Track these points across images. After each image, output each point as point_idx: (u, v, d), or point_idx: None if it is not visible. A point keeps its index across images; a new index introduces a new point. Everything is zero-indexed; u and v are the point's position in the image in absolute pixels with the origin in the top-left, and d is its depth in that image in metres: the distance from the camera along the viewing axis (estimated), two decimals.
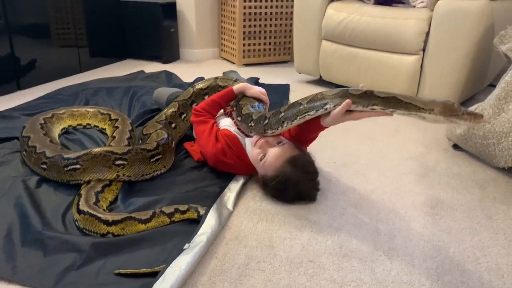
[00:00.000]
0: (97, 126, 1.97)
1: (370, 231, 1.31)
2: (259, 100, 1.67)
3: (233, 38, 3.63)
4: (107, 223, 1.22)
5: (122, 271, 1.07)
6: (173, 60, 3.75)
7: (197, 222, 1.27)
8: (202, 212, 1.29)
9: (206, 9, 3.77)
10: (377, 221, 1.37)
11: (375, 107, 1.22)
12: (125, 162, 1.46)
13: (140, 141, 1.72)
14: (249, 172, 1.56)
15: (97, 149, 1.46)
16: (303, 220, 1.35)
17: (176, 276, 1.01)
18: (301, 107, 1.35)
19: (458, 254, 1.21)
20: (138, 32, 3.61)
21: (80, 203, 1.29)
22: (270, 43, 3.71)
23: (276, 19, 3.64)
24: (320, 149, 1.66)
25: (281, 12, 3.64)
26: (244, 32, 3.54)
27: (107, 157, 1.44)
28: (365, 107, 1.23)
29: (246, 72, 3.24)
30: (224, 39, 3.84)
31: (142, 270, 1.07)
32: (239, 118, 1.59)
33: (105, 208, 1.35)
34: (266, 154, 1.43)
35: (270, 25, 3.64)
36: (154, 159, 1.52)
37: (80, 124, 1.97)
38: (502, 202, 1.51)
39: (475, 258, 1.20)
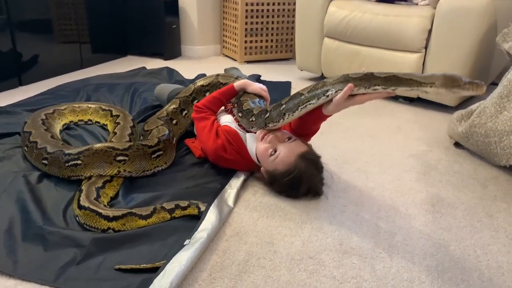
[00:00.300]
0: (99, 122, 1.97)
1: (371, 228, 1.31)
2: (260, 97, 1.67)
3: (235, 35, 3.63)
4: (107, 218, 1.22)
5: (123, 266, 1.07)
6: (175, 56, 3.75)
7: (198, 218, 1.27)
8: (202, 208, 1.29)
9: (208, 5, 3.77)
10: (378, 218, 1.37)
11: (376, 87, 1.22)
12: (126, 158, 1.46)
13: (141, 137, 1.72)
14: (250, 168, 1.56)
15: (98, 145, 1.46)
16: (303, 217, 1.35)
17: (176, 271, 1.01)
18: (302, 97, 1.35)
19: (459, 252, 1.21)
20: (140, 28, 3.60)
21: (81, 198, 1.29)
22: (272, 40, 3.70)
23: (278, 16, 3.64)
24: (321, 146, 1.66)
25: (283, 9, 3.63)
26: (246, 29, 3.54)
27: (108, 153, 1.44)
28: (367, 89, 1.23)
29: (248, 69, 3.23)
30: (226, 36, 3.83)
31: (143, 266, 1.07)
32: (240, 114, 1.59)
33: (106, 203, 1.35)
34: (276, 149, 1.42)
35: (272, 22, 3.64)
36: (155, 155, 1.52)
37: (82, 120, 1.97)
38: (503, 200, 1.51)
39: (476, 256, 1.20)
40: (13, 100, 2.32)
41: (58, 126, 1.85)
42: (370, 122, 2.24)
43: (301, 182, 1.39)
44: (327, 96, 1.29)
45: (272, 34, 3.68)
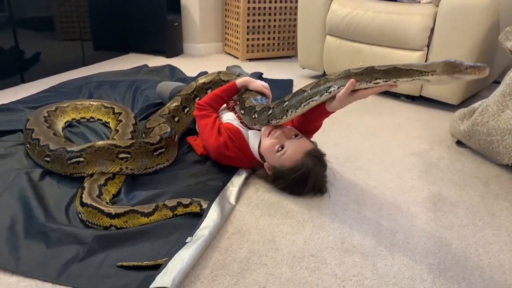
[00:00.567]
0: (101, 120, 1.97)
1: (372, 226, 1.31)
2: (262, 94, 1.67)
3: (237, 32, 3.62)
4: (110, 216, 1.23)
5: (125, 263, 1.08)
6: (177, 54, 3.75)
7: (200, 215, 1.27)
8: (204, 206, 1.29)
9: (210, 3, 3.76)
10: (379, 216, 1.37)
11: (378, 80, 1.22)
12: (128, 156, 1.47)
13: (143, 135, 1.72)
14: (252, 165, 1.56)
15: (100, 142, 1.46)
16: (305, 215, 1.35)
17: (178, 269, 1.01)
18: (305, 93, 1.35)
19: (460, 250, 1.21)
20: (142, 26, 3.60)
21: (83, 195, 1.30)
22: (274, 38, 3.70)
23: (280, 14, 3.63)
24: (323, 145, 1.66)
25: (285, 7, 3.63)
26: (248, 27, 3.53)
27: (110, 150, 1.45)
28: (369, 83, 1.24)
29: (250, 67, 3.23)
30: (228, 33, 3.83)
31: (145, 263, 1.08)
32: (242, 111, 1.59)
33: (108, 201, 1.35)
34: (284, 145, 1.42)
35: (274, 20, 3.64)
36: (157, 153, 1.53)
37: (84, 117, 1.98)
38: (505, 199, 1.50)
39: (477, 255, 1.20)
40: (16, 98, 2.33)
41: (60, 124, 1.86)
42: (371, 120, 2.23)
43: (308, 179, 1.39)
44: (330, 92, 1.29)
45: (274, 32, 3.68)
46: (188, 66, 3.21)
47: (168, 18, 3.53)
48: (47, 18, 2.86)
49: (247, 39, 3.58)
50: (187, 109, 1.86)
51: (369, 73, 1.23)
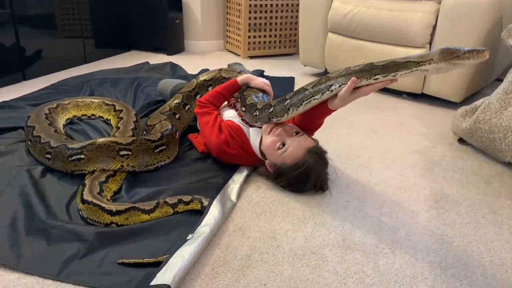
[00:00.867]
0: (102, 117, 1.97)
1: (374, 224, 1.31)
2: (263, 91, 1.67)
3: (239, 30, 3.62)
4: (110, 213, 1.22)
5: (126, 260, 1.07)
6: (178, 51, 3.75)
7: (201, 213, 1.27)
8: (205, 203, 1.29)
9: (212, 0, 3.76)
10: (381, 214, 1.36)
11: (377, 76, 1.22)
12: (129, 153, 1.46)
13: (144, 132, 1.72)
14: (252, 163, 1.56)
15: (101, 140, 1.46)
16: (306, 212, 1.35)
17: (179, 266, 1.01)
18: (307, 92, 1.35)
19: (462, 248, 1.21)
20: (143, 23, 3.60)
21: (84, 192, 1.30)
22: (275, 35, 3.69)
23: (281, 11, 3.62)
24: (325, 142, 1.65)
25: (287, 4, 3.62)
26: (249, 24, 3.53)
27: (111, 148, 1.44)
28: (369, 79, 1.23)
29: (251, 65, 3.23)
30: (229, 31, 3.82)
31: (146, 260, 1.07)
32: (243, 109, 1.58)
33: (109, 198, 1.35)
34: (285, 142, 1.42)
35: (276, 17, 3.63)
36: (158, 150, 1.52)
37: (85, 115, 1.98)
38: (507, 197, 1.50)
39: (479, 253, 1.19)
40: (17, 95, 2.32)
41: (61, 121, 1.86)
42: (373, 118, 2.23)
43: (309, 176, 1.39)
44: (331, 90, 1.29)
45: (275, 29, 3.67)
46: (189, 63, 3.21)
47: (170, 16, 3.53)
48: (49, 16, 2.86)
49: (249, 37, 3.57)
50: (188, 106, 1.86)
51: (368, 70, 1.23)
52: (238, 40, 3.66)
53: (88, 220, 1.25)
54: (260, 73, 2.87)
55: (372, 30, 2.52)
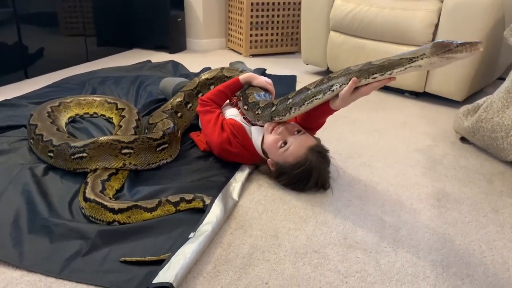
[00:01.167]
0: (104, 115, 1.97)
1: (375, 222, 1.31)
2: (265, 90, 1.67)
3: (240, 28, 3.61)
4: (113, 211, 1.23)
5: (128, 258, 1.08)
6: (180, 50, 3.75)
7: (203, 211, 1.27)
8: (207, 201, 1.29)
9: None
10: (383, 213, 1.36)
11: (375, 75, 1.22)
12: (132, 151, 1.47)
13: (146, 130, 1.72)
14: (254, 161, 1.56)
15: (103, 138, 1.47)
16: (308, 210, 1.35)
17: (181, 264, 1.01)
18: (309, 92, 1.35)
19: (464, 247, 1.21)
20: (145, 21, 3.60)
21: (87, 191, 1.30)
22: (277, 34, 3.69)
23: (283, 10, 3.62)
24: (327, 141, 1.66)
25: (289, 2, 3.61)
26: (251, 23, 3.52)
27: (113, 146, 1.45)
28: (367, 79, 1.24)
29: (253, 63, 3.23)
30: (231, 29, 3.82)
31: (148, 258, 1.08)
32: (245, 107, 1.59)
33: (111, 196, 1.36)
34: (286, 141, 1.42)
35: (278, 16, 3.62)
36: (160, 148, 1.53)
37: (87, 113, 1.98)
38: (509, 195, 1.50)
39: (481, 251, 1.19)
40: (19, 93, 2.33)
41: (63, 119, 1.86)
42: (375, 116, 2.23)
43: (311, 175, 1.39)
44: (333, 91, 1.29)
45: (277, 28, 3.67)
46: (191, 62, 3.21)
47: (172, 14, 3.52)
48: (51, 14, 2.86)
49: (250, 35, 3.57)
50: (190, 104, 1.86)
51: (366, 69, 1.24)
52: (240, 39, 3.66)
53: (90, 218, 1.25)
54: (262, 72, 2.87)
55: (374, 28, 2.51)
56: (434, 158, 1.77)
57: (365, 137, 1.96)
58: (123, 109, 1.87)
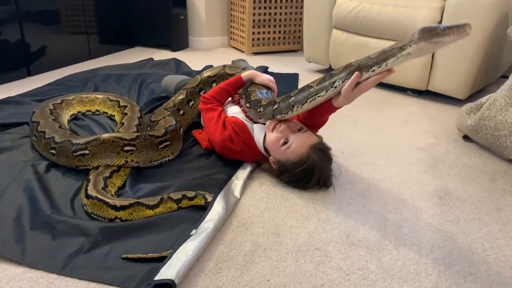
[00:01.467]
0: (106, 113, 1.98)
1: (378, 220, 1.31)
2: (268, 88, 1.67)
3: (243, 26, 3.61)
4: (115, 208, 1.23)
5: (130, 255, 1.08)
6: (182, 48, 3.75)
7: (205, 208, 1.27)
8: (209, 199, 1.29)
9: None
10: (385, 211, 1.36)
11: (373, 68, 1.22)
12: (134, 148, 1.47)
13: (148, 128, 1.72)
14: (256, 159, 1.56)
15: (105, 135, 1.47)
16: (310, 208, 1.35)
17: (183, 261, 1.01)
18: (311, 89, 1.35)
19: (466, 245, 1.21)
20: (147, 19, 3.60)
21: (89, 188, 1.30)
22: (279, 32, 3.68)
23: (286, 8, 3.61)
24: (329, 139, 1.66)
25: (291, 0, 3.61)
26: (253, 21, 3.52)
27: (115, 143, 1.45)
28: (367, 73, 1.23)
29: (255, 61, 3.22)
30: (234, 27, 3.82)
31: (149, 255, 1.08)
32: (247, 105, 1.58)
33: (113, 193, 1.36)
34: (288, 139, 1.42)
35: (280, 14, 3.62)
36: (162, 146, 1.53)
37: (89, 110, 1.98)
38: (511, 194, 1.50)
39: (483, 250, 1.19)
40: (22, 90, 2.33)
41: (66, 116, 1.86)
42: (377, 115, 2.22)
43: (313, 173, 1.39)
44: (335, 87, 1.29)
45: (280, 26, 3.66)
46: (193, 59, 3.21)
47: (174, 12, 3.53)
48: (53, 12, 2.87)
49: (253, 33, 3.57)
50: (192, 102, 1.86)
51: (365, 63, 1.23)
52: (242, 37, 3.66)
53: (92, 215, 1.25)
54: (264, 70, 2.86)
55: (377, 26, 2.51)
56: (437, 156, 1.76)
57: (367, 135, 1.96)
58: (125, 106, 1.88)
